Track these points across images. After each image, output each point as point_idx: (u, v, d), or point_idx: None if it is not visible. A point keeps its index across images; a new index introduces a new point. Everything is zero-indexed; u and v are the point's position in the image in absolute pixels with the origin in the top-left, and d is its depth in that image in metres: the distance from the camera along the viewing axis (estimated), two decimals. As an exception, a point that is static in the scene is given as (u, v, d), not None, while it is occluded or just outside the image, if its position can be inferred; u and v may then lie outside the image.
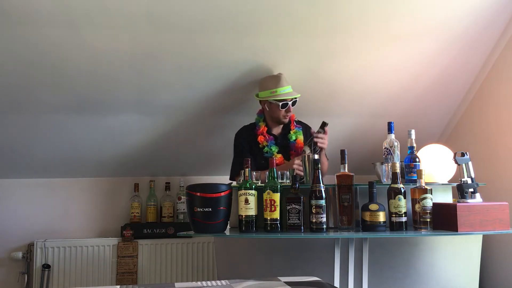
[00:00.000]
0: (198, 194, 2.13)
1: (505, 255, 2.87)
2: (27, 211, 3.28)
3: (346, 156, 2.19)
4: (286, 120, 2.74)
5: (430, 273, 2.29)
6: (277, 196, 2.12)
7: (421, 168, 2.25)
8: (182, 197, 3.38)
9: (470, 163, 2.20)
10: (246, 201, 2.12)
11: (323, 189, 2.10)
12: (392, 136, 2.36)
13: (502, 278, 2.89)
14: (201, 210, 2.12)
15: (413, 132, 2.35)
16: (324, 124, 2.54)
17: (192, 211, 2.14)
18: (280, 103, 2.66)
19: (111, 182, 3.42)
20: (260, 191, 2.16)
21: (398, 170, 2.16)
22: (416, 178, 2.20)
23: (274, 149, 2.70)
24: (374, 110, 3.19)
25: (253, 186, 2.15)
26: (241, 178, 2.22)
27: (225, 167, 3.41)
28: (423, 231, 2.10)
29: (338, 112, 3.15)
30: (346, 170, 2.18)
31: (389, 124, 2.39)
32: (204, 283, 1.60)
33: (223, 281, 1.62)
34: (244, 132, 2.80)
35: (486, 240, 2.78)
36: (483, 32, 2.80)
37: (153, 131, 3.11)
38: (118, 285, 2.78)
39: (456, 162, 2.22)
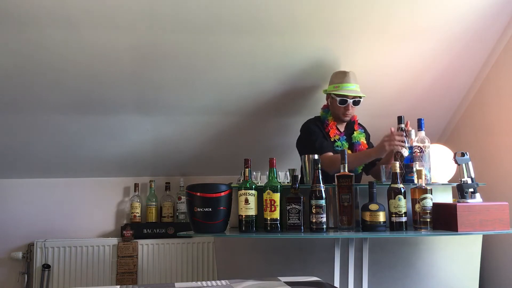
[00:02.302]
0: (198, 194, 2.13)
1: (505, 255, 2.87)
2: (27, 211, 3.28)
3: (346, 156, 2.19)
4: (346, 119, 2.68)
5: (430, 273, 2.29)
6: (277, 196, 2.12)
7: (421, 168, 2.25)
8: (182, 197, 3.38)
9: (470, 163, 2.20)
10: (246, 201, 2.12)
11: (323, 189, 2.10)
12: (423, 133, 2.29)
13: (502, 278, 2.89)
14: (201, 210, 2.12)
15: (413, 132, 2.34)
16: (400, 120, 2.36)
17: (192, 211, 2.14)
18: (339, 98, 2.62)
19: (111, 182, 3.42)
20: (260, 191, 2.16)
21: (398, 170, 2.15)
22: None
23: (346, 144, 2.66)
24: (374, 110, 3.19)
25: (253, 186, 2.15)
26: (241, 178, 2.22)
27: (225, 167, 3.42)
28: (423, 231, 2.10)
29: (338, 112, 3.15)
30: (346, 170, 2.18)
31: (419, 120, 2.31)
32: (204, 283, 1.60)
33: (223, 281, 1.62)
34: (316, 122, 2.73)
35: (486, 240, 2.78)
36: (483, 32, 2.80)
37: (153, 131, 3.11)
38: (118, 285, 2.78)
39: (456, 162, 2.22)
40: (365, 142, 2.72)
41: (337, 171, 2.18)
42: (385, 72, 2.96)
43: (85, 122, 2.95)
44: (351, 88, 2.61)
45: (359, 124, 2.81)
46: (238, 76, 2.83)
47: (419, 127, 2.31)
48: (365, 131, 2.83)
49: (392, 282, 2.27)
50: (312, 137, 2.64)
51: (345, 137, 2.70)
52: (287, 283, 1.57)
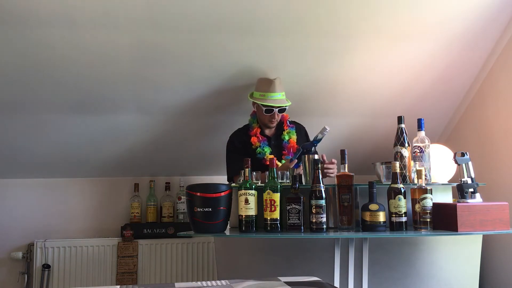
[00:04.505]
0: (198, 194, 2.13)
1: (505, 255, 2.87)
2: (27, 211, 3.28)
3: (346, 156, 2.19)
4: (272, 125, 2.75)
5: (430, 273, 2.29)
6: (277, 196, 2.12)
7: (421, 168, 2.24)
8: (182, 197, 3.38)
9: (470, 163, 2.20)
10: (246, 201, 2.12)
11: (323, 189, 2.10)
12: (423, 133, 2.29)
13: (502, 278, 2.89)
14: (201, 210, 2.11)
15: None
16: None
17: (192, 211, 2.14)
18: (265, 108, 2.67)
19: (111, 182, 3.42)
20: (260, 191, 2.16)
21: (398, 170, 2.15)
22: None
23: (267, 150, 2.71)
24: (374, 110, 3.19)
25: (253, 186, 2.14)
26: (241, 178, 2.22)
27: (225, 167, 3.42)
28: (423, 231, 2.10)
29: (338, 112, 3.15)
30: (346, 170, 2.18)
31: (419, 120, 2.32)
32: (204, 283, 1.60)
33: (223, 281, 1.62)
34: (238, 134, 2.82)
35: (486, 240, 2.78)
36: (483, 32, 2.80)
37: (153, 130, 3.11)
38: (118, 285, 2.78)
39: (456, 162, 2.22)
40: (294, 139, 2.74)
41: None
42: (385, 72, 2.96)
43: (85, 122, 2.95)
44: (277, 98, 2.67)
45: (290, 122, 2.83)
46: (238, 76, 2.83)
47: (419, 127, 2.31)
48: (298, 128, 2.84)
49: (392, 282, 2.27)
50: (227, 160, 2.78)
51: (266, 142, 2.74)
52: (287, 283, 1.57)
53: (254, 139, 2.74)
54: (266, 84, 2.70)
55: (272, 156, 2.65)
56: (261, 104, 2.68)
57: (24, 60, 2.53)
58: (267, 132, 2.80)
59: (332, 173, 2.44)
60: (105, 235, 3.36)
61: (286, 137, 2.75)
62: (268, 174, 2.17)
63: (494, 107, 2.96)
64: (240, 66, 2.78)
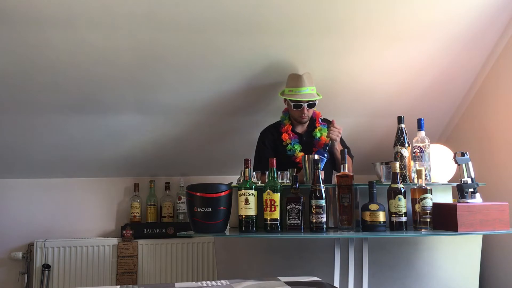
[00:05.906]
0: (198, 194, 2.13)
1: (505, 255, 2.87)
2: (27, 211, 3.28)
3: (346, 156, 2.19)
4: (304, 121, 2.73)
5: (430, 273, 2.29)
6: (277, 196, 2.12)
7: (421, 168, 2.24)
8: (182, 197, 3.38)
9: (470, 163, 2.20)
10: (246, 201, 2.12)
11: (323, 189, 2.10)
12: (423, 133, 2.30)
13: (502, 278, 2.89)
14: (201, 210, 2.12)
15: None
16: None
17: (192, 211, 2.14)
18: (293, 103, 2.66)
19: (111, 182, 3.42)
20: (260, 191, 2.16)
21: (398, 170, 2.15)
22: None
23: (297, 147, 2.70)
24: (374, 110, 3.19)
25: (253, 186, 2.14)
26: (241, 178, 2.22)
27: (225, 167, 3.43)
28: (423, 231, 2.10)
29: (338, 111, 3.15)
30: (346, 170, 2.18)
31: (419, 120, 2.32)
32: (204, 283, 1.60)
33: (223, 281, 1.62)
34: (270, 130, 2.81)
35: (486, 240, 2.78)
36: (483, 32, 2.80)
37: (153, 131, 3.11)
38: (118, 285, 2.78)
39: (456, 162, 2.22)
40: (325, 137, 2.72)
41: None
42: (385, 72, 2.96)
43: (85, 122, 2.95)
44: (305, 92, 2.64)
45: (323, 119, 2.82)
46: (237, 76, 2.83)
47: (419, 127, 2.31)
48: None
49: (392, 282, 2.27)
50: (256, 154, 2.77)
51: (297, 139, 2.73)
52: (287, 283, 1.57)
53: (285, 136, 2.72)
54: (294, 79, 2.69)
55: (302, 153, 2.65)
56: (290, 100, 2.67)
57: (24, 61, 2.52)
58: (299, 129, 2.78)
59: (335, 134, 2.55)
60: (105, 235, 3.36)
61: (318, 134, 2.73)
62: (268, 174, 2.17)
63: (494, 107, 2.96)
64: (239, 67, 2.77)
